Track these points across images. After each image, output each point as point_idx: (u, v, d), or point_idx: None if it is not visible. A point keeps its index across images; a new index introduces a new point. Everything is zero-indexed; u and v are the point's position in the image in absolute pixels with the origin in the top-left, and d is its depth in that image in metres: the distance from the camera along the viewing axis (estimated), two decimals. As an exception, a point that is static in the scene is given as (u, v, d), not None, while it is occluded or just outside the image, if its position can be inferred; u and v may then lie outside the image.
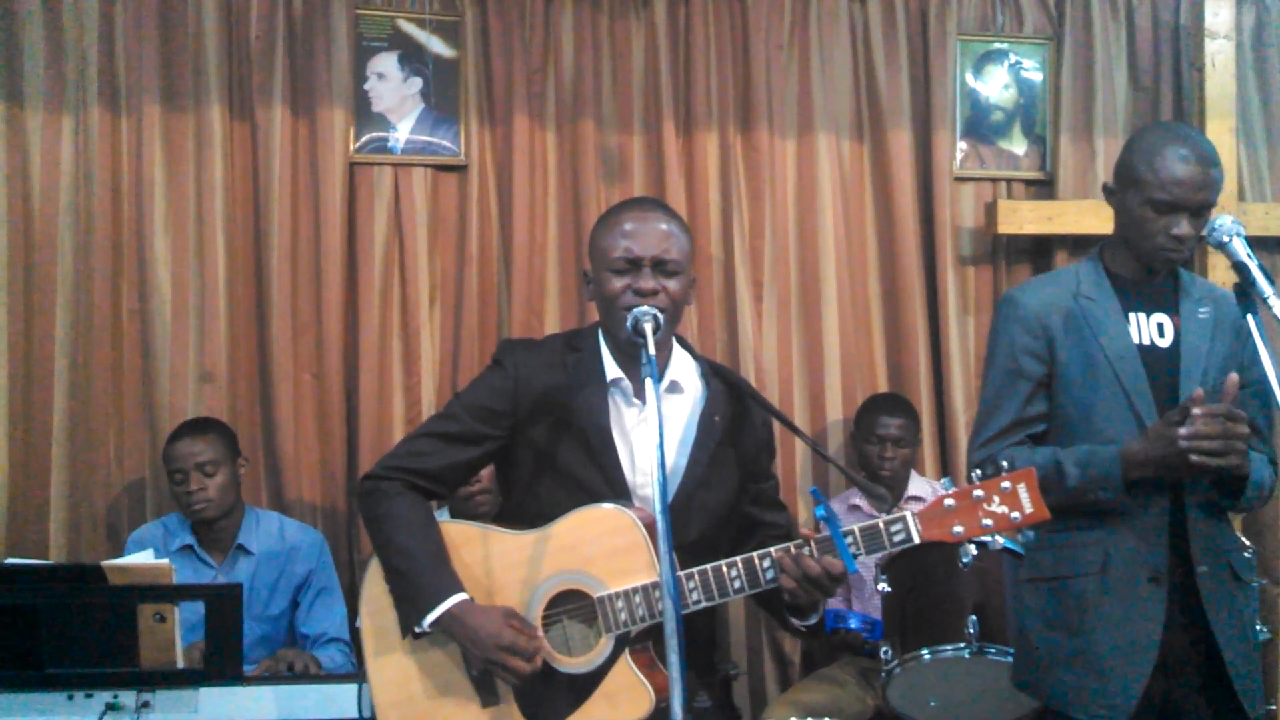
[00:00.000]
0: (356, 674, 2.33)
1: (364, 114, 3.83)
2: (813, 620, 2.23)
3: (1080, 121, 4.11)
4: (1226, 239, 2.23)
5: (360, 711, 2.33)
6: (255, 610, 3.26)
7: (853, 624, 3.20)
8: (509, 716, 2.17)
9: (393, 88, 3.86)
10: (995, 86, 4.16)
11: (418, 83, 3.86)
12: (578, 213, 3.86)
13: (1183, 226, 2.28)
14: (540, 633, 2.15)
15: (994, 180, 4.16)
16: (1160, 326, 2.36)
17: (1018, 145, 4.17)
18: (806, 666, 3.86)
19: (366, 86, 3.84)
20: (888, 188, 4.05)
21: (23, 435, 3.57)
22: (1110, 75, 4.12)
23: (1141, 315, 2.36)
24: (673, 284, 2.24)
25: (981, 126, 4.15)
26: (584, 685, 2.13)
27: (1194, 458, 2.10)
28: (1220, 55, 3.95)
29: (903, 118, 4.06)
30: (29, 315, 3.60)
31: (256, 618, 3.25)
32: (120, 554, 3.30)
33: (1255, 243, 3.84)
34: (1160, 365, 2.33)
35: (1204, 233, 2.31)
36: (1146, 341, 2.34)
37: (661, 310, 2.17)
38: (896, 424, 3.70)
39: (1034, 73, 4.17)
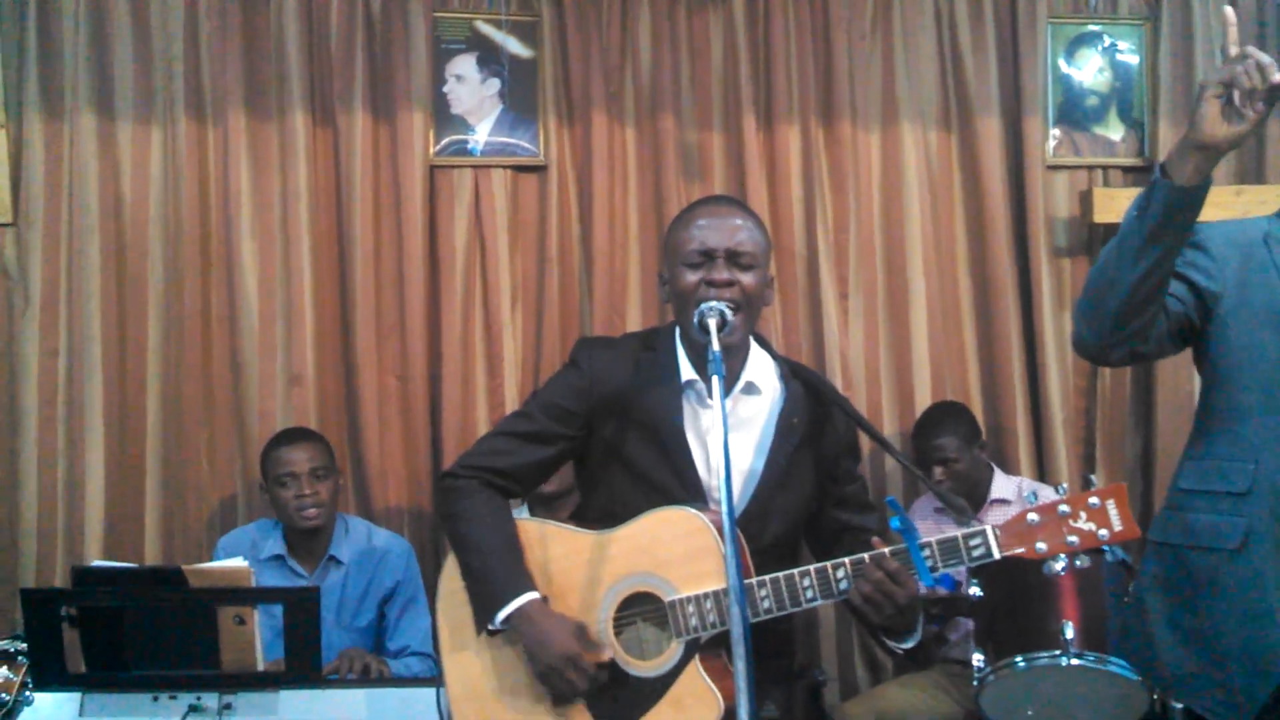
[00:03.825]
0: (436, 679, 2.31)
1: (443, 116, 3.84)
2: (908, 644, 2.15)
3: (1180, 105, 3.95)
4: None
5: (441, 715, 2.33)
6: (345, 620, 3.26)
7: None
8: (576, 717, 2.14)
9: (471, 89, 3.86)
10: (1089, 70, 4.02)
11: (496, 84, 3.87)
12: (658, 211, 3.82)
13: None
14: (612, 638, 2.12)
15: (1089, 168, 4.02)
16: None
17: (1114, 131, 4.02)
18: (899, 673, 3.77)
19: (445, 89, 3.85)
20: (977, 178, 3.94)
21: (118, 442, 3.65)
22: (1212, 56, 3.94)
23: None
24: (747, 278, 2.19)
25: (1075, 112, 4.01)
26: (654, 690, 2.10)
27: (1212, 93, 1.82)
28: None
29: (991, 105, 3.95)
30: (123, 323, 3.68)
31: (346, 628, 3.25)
32: (211, 560, 3.34)
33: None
34: None
35: None
36: None
37: (734, 304, 2.13)
38: (938, 444, 3.55)
39: (1130, 55, 4.02)
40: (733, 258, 2.19)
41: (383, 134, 3.81)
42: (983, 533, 1.96)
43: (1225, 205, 3.66)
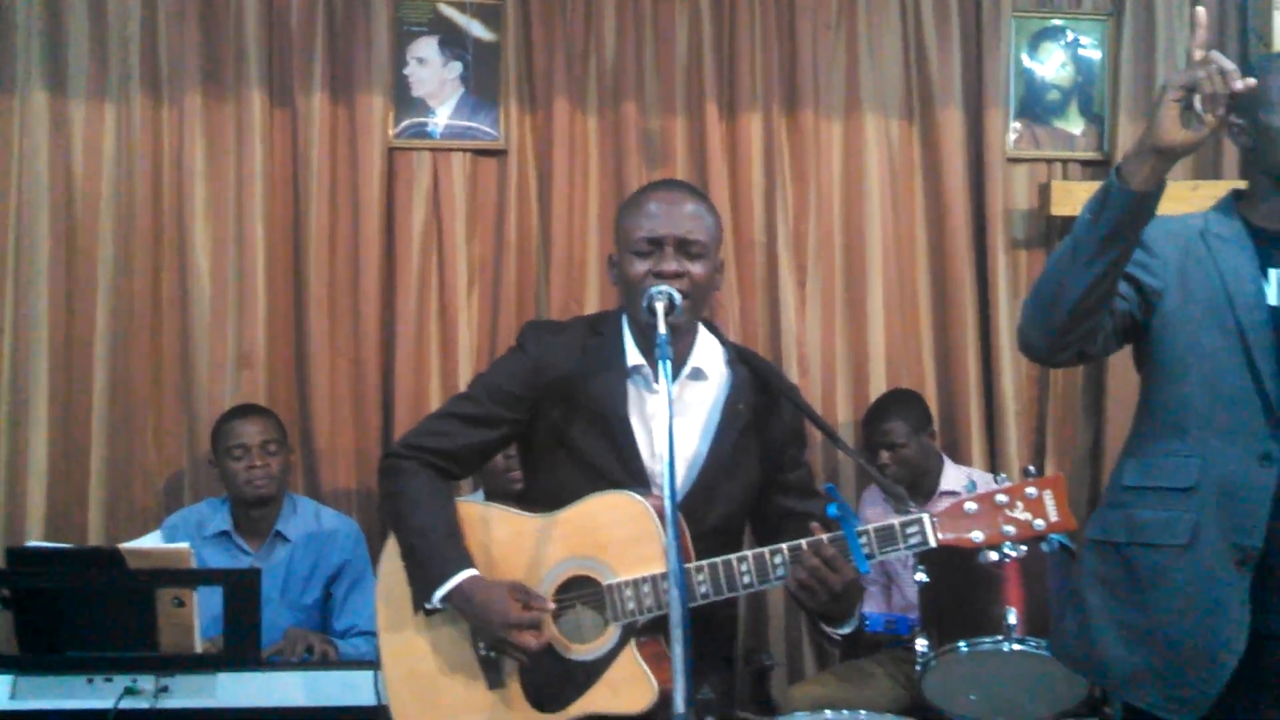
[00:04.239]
0: (374, 662, 2.30)
1: (403, 99, 3.80)
2: (846, 629, 2.14)
3: (1140, 101, 3.95)
4: None
5: (378, 698, 2.31)
6: (290, 598, 3.25)
7: (874, 626, 3.11)
8: (513, 699, 2.14)
9: (432, 72, 3.83)
10: (1051, 65, 4.02)
11: (458, 67, 3.83)
12: (619, 197, 3.79)
13: None
14: (550, 605, 2.11)
15: (1049, 161, 4.02)
16: None
17: (1074, 125, 4.03)
18: (846, 658, 3.77)
19: (406, 71, 3.82)
20: (938, 169, 3.94)
21: (63, 422, 3.60)
22: (1173, 52, 3.94)
23: None
24: (697, 267, 2.18)
25: (1036, 106, 4.01)
26: (590, 673, 2.09)
27: (1172, 96, 1.80)
28: (1289, 29, 3.79)
29: (954, 98, 3.94)
30: (70, 302, 3.63)
31: (291, 606, 3.24)
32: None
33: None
34: None
35: None
36: None
37: (684, 294, 2.11)
38: (886, 428, 3.56)
39: (1092, 50, 4.02)
40: (682, 247, 2.17)
41: (341, 115, 3.77)
42: (920, 520, 1.96)
43: (1182, 200, 3.62)
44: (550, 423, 2.26)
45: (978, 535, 1.92)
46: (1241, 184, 2.24)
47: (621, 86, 3.84)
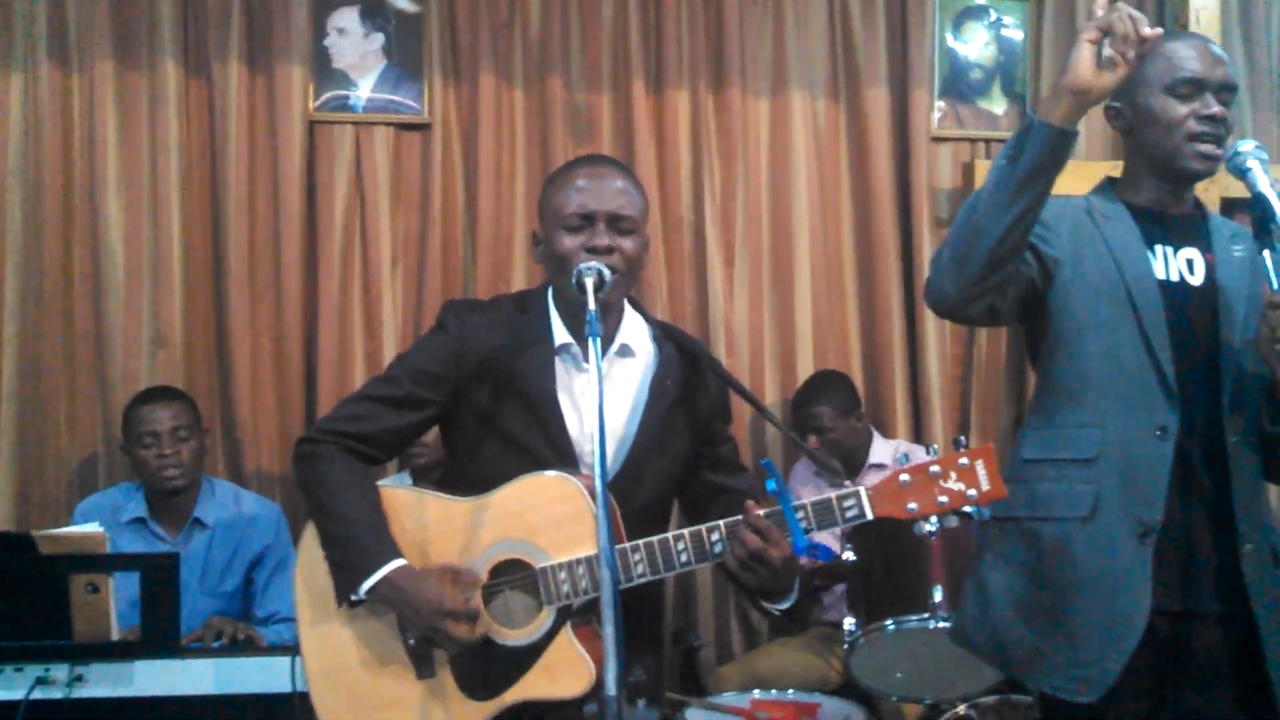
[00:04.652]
0: (292, 648, 2.24)
1: (324, 71, 3.72)
2: (785, 604, 2.14)
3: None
4: (1248, 166, 2.00)
5: (294, 685, 2.26)
6: (209, 585, 3.18)
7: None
8: (445, 688, 2.09)
9: (354, 44, 3.75)
10: (975, 45, 4.05)
11: (380, 39, 3.76)
12: (546, 173, 3.69)
13: (1213, 106, 2.05)
14: (483, 577, 2.07)
15: (972, 140, 4.06)
16: (1190, 263, 2.10)
17: (997, 105, 4.06)
18: (774, 637, 3.80)
19: (326, 43, 3.73)
20: (863, 148, 3.96)
21: (-30, 404, 3.49)
22: (1092, 33, 4.00)
23: (1167, 249, 2.09)
24: (628, 243, 2.15)
25: (960, 85, 4.05)
26: (524, 658, 2.05)
27: (1089, 37, 1.82)
28: (1205, 12, 3.85)
29: (879, 76, 3.96)
30: (-24, 280, 3.51)
31: (210, 593, 3.17)
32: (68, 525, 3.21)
33: (1236, 205, 3.83)
34: (1192, 303, 2.05)
35: (1225, 156, 2.06)
36: (1174, 278, 2.08)
37: (615, 270, 2.08)
38: (814, 413, 3.59)
39: (1014, 30, 4.06)
40: (613, 222, 2.14)
41: (259, 87, 3.69)
42: (856, 494, 1.96)
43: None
44: (475, 403, 2.21)
45: (913, 506, 1.93)
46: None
47: (548, 61, 3.79)
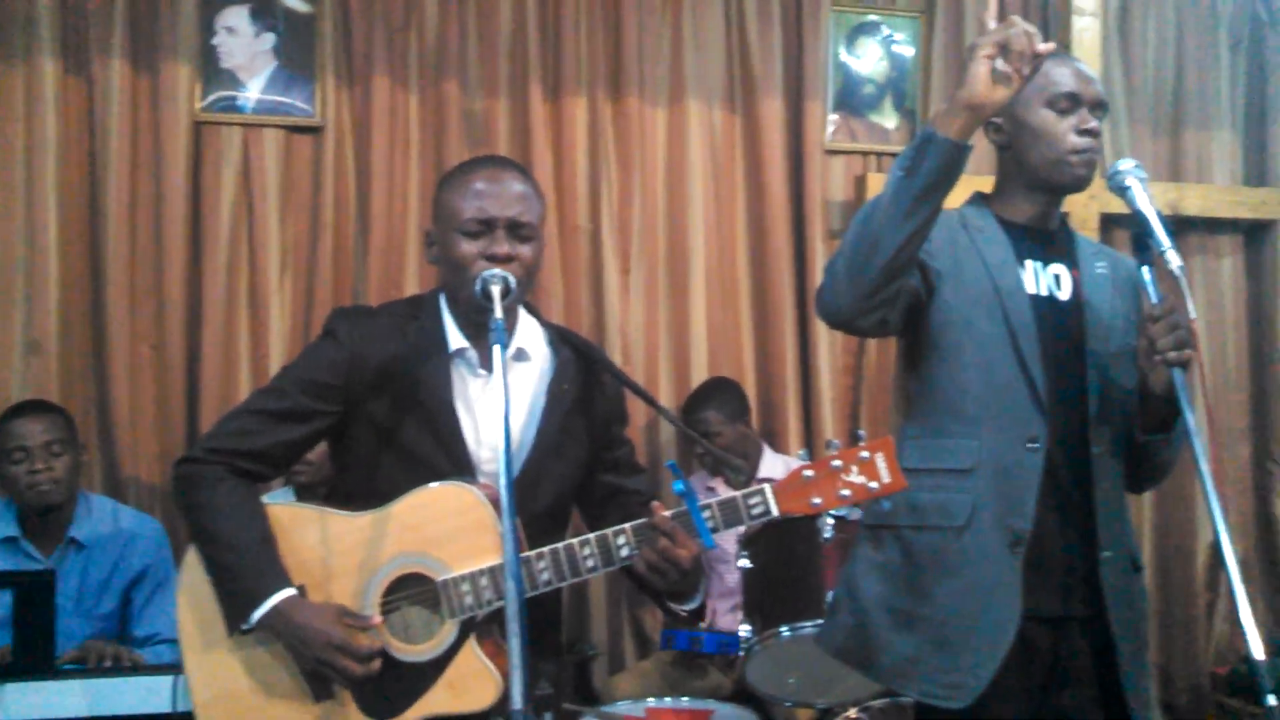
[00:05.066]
0: (172, 666, 2.14)
1: (211, 71, 3.62)
2: (693, 604, 2.13)
3: (950, 97, 4.08)
4: (1128, 184, 2.05)
5: (174, 705, 2.16)
6: (85, 607, 3.03)
7: (708, 648, 3.13)
8: (345, 710, 2.02)
9: (243, 43, 3.66)
10: (868, 60, 4.13)
11: (270, 39, 3.67)
12: (439, 178, 3.70)
13: (1090, 121, 2.11)
14: (379, 620, 2.01)
15: (864, 154, 4.13)
16: (1058, 278, 2.16)
17: (888, 119, 4.14)
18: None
19: (215, 41, 3.63)
20: (759, 159, 4.00)
21: None
22: (980, 50, 4.10)
23: (1037, 264, 2.15)
24: (527, 250, 2.12)
25: (853, 99, 4.11)
26: (426, 674, 2.00)
27: (986, 53, 1.83)
28: (1087, 33, 3.97)
29: (775, 88, 4.01)
30: None
31: (86, 615, 3.02)
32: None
33: (1113, 223, 3.97)
34: (1061, 318, 2.11)
35: (1105, 176, 2.12)
36: (1044, 292, 2.13)
37: (515, 277, 2.05)
38: (702, 417, 3.61)
39: (905, 46, 4.15)
40: (513, 229, 2.10)
41: (143, 85, 3.58)
42: (761, 491, 1.96)
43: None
44: (370, 414, 2.14)
45: (816, 500, 1.94)
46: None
47: (444, 65, 3.76)
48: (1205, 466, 1.83)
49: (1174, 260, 1.92)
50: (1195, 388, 1.99)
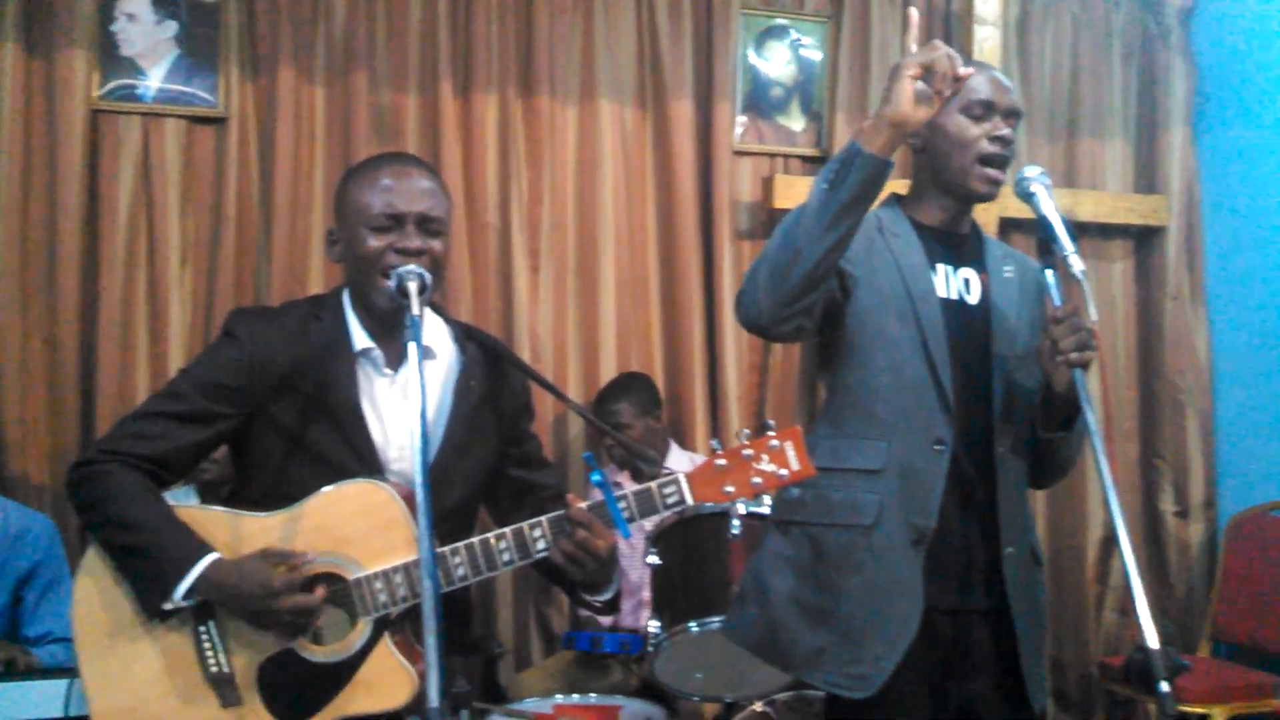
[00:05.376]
0: (67, 670, 2.06)
1: (110, 58, 3.53)
2: (608, 595, 2.16)
3: (856, 101, 4.17)
4: (1033, 190, 2.12)
5: (66, 710, 2.09)
6: (-29, 607, 2.94)
7: (609, 647, 3.15)
8: (254, 714, 1.98)
9: (144, 31, 3.57)
10: (776, 63, 4.17)
11: (173, 26, 3.59)
12: (343, 176, 3.65)
13: (1003, 129, 2.18)
14: (310, 557, 1.97)
15: (772, 155, 4.18)
16: (967, 282, 2.23)
17: (795, 122, 4.19)
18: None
19: (114, 28, 3.54)
20: (668, 159, 4.02)
21: None
22: (885, 57, 4.18)
23: (948, 268, 2.22)
24: (437, 244, 2.11)
25: (761, 102, 4.16)
26: (338, 674, 1.98)
27: (911, 73, 1.89)
28: (988, 42, 4.08)
29: (685, 89, 4.03)
30: None
31: (-28, 616, 2.93)
32: None
33: (1011, 226, 4.08)
34: (969, 321, 2.18)
35: (1012, 182, 2.19)
36: (954, 296, 2.20)
37: (427, 272, 2.03)
38: (613, 410, 3.65)
39: (813, 51, 4.20)
40: (423, 224, 2.10)
41: (37, 72, 3.48)
42: (675, 480, 1.99)
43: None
44: (275, 417, 2.10)
45: (729, 489, 1.97)
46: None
47: (351, 57, 3.71)
48: (1104, 463, 1.90)
49: (1077, 265, 1.99)
50: (1094, 388, 2.06)
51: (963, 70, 1.91)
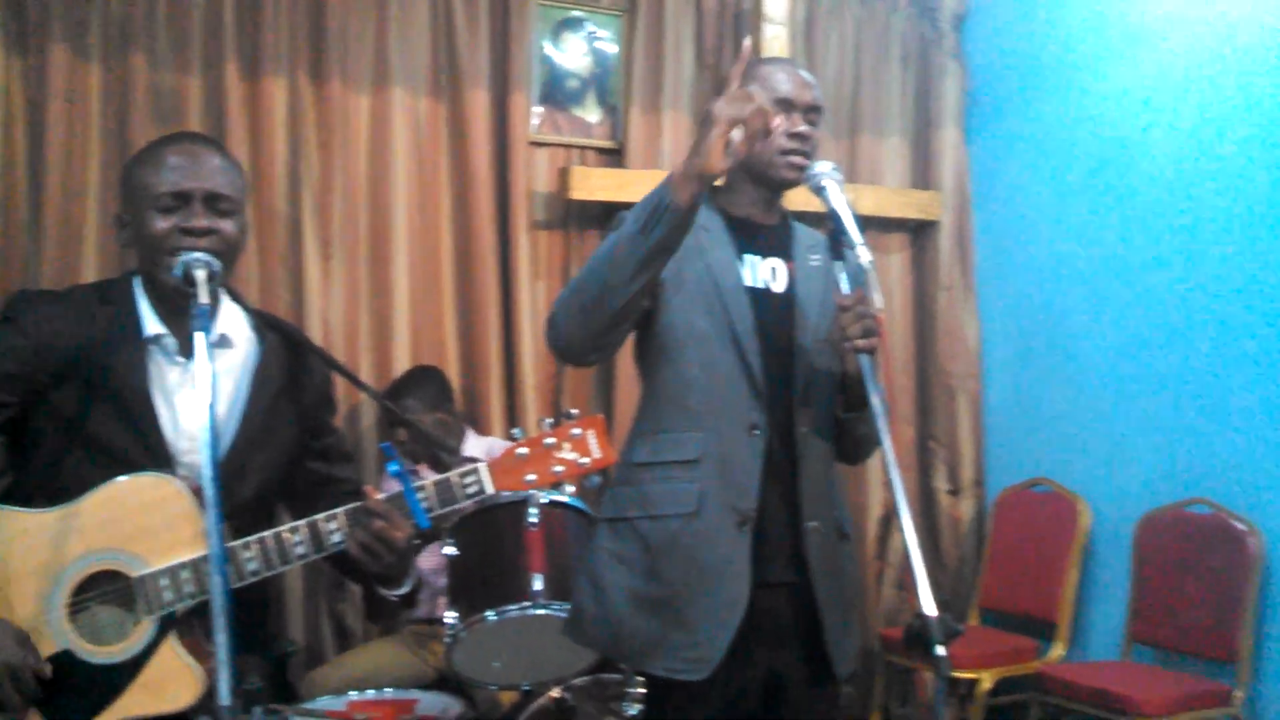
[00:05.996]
0: None
1: None
2: (405, 588, 2.15)
3: (649, 94, 4.25)
4: (824, 185, 2.20)
5: None
6: None
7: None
8: (29, 720, 1.90)
9: (-106, -1, 3.33)
10: (572, 54, 4.21)
11: (-74, -4, 3.35)
12: (123, 156, 3.48)
13: (801, 125, 2.25)
14: (67, 625, 1.89)
15: (568, 147, 4.22)
16: (774, 271, 2.30)
17: (591, 114, 4.24)
18: (368, 639, 3.77)
19: None
20: (464, 149, 4.00)
21: None
22: (678, 52, 4.28)
23: (755, 258, 2.29)
24: (228, 224, 2.04)
25: (557, 93, 4.19)
26: (119, 676, 1.91)
27: (721, 131, 1.92)
28: (776, 40, 4.22)
29: (481, 79, 4.02)
30: None
31: None
32: None
33: (799, 219, 4.21)
34: (774, 308, 2.26)
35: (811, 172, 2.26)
36: (760, 284, 2.26)
37: (216, 253, 1.97)
38: (401, 405, 3.60)
39: (609, 43, 4.26)
40: (211, 202, 2.03)
41: None
42: (476, 470, 2.00)
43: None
44: (57, 406, 2.01)
45: (531, 477, 2.00)
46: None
47: (129, 36, 3.56)
48: (888, 443, 2.01)
49: (864, 256, 2.08)
50: (880, 372, 2.18)
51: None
